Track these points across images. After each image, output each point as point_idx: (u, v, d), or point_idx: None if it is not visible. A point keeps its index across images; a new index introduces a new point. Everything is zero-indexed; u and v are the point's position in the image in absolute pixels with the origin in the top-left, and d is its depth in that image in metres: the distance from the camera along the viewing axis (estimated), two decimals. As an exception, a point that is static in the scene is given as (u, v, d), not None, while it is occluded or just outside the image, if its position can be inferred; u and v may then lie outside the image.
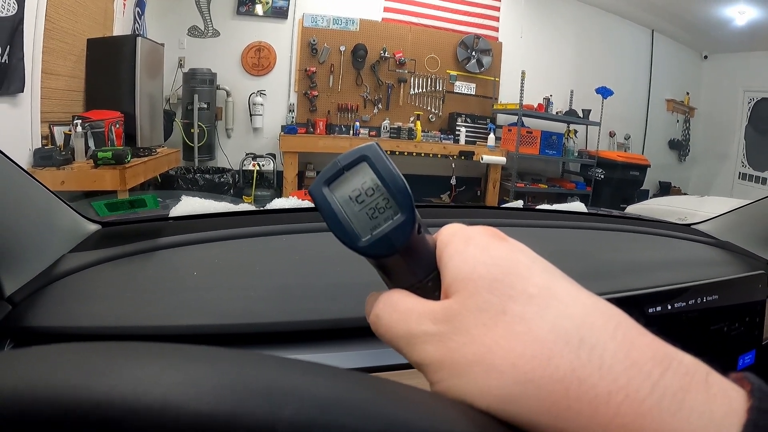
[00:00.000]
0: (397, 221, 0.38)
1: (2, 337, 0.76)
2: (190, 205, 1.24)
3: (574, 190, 8.03)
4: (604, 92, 7.79)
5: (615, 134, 8.72)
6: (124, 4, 6.37)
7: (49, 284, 0.87)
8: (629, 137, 8.83)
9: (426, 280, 0.40)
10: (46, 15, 4.52)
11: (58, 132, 4.74)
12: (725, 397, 0.29)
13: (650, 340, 0.32)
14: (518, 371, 0.31)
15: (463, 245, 0.39)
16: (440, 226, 0.42)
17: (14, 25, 4.01)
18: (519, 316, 0.33)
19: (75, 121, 4.69)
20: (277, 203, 1.35)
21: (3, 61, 3.92)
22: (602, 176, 7.97)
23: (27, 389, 0.26)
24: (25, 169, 0.83)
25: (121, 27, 6.24)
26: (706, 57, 9.05)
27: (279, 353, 0.33)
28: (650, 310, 1.05)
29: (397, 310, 0.38)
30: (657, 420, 0.28)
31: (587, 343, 0.31)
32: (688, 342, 1.10)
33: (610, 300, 0.34)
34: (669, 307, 1.06)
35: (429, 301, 0.38)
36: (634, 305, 1.03)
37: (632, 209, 3.21)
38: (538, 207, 1.68)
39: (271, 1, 7.58)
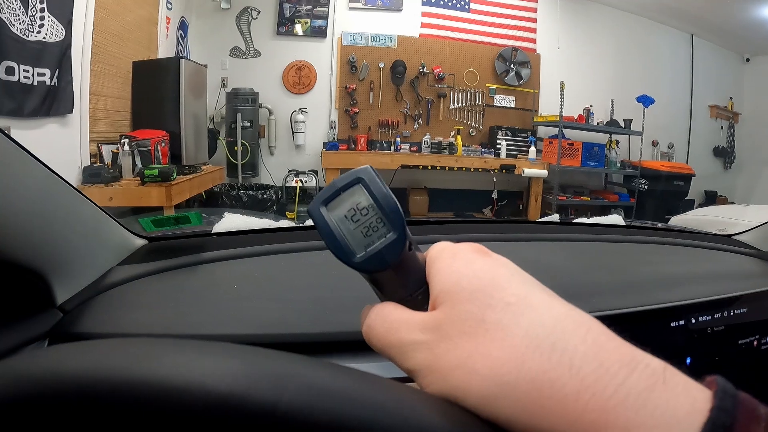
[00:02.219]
0: (389, 239, 0.42)
1: (53, 342, 0.80)
2: (232, 221, 1.28)
3: (617, 202, 7.91)
4: (645, 101, 7.63)
5: (658, 143, 8.56)
6: (168, 28, 6.51)
7: (98, 294, 0.91)
8: (673, 146, 8.65)
9: (416, 293, 0.44)
10: (92, 40, 4.67)
11: (106, 150, 4.89)
12: (688, 396, 0.31)
13: (619, 344, 0.35)
14: (495, 374, 0.34)
15: (450, 260, 0.42)
16: (478, 241, 0.45)
17: (62, 50, 4.16)
18: (496, 323, 0.37)
19: (122, 140, 4.81)
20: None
21: (52, 83, 4.06)
22: (646, 187, 7.80)
23: (86, 373, 0.32)
24: (75, 186, 0.87)
25: (164, 50, 6.39)
26: (748, 60, 8.82)
27: (295, 353, 0.37)
28: (672, 324, 1.03)
29: (388, 320, 0.42)
30: (622, 416, 0.30)
31: (558, 348, 0.34)
32: (715, 357, 1.09)
33: (629, 314, 0.37)
34: (693, 321, 1.05)
35: (418, 312, 0.41)
36: (656, 318, 1.02)
37: (675, 220, 3.15)
38: (575, 221, 1.68)
39: (309, 21, 7.67)
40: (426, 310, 0.42)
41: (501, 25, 8.09)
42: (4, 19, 3.52)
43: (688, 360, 1.04)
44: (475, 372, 0.35)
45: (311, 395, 0.32)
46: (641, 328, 0.99)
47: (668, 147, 8.65)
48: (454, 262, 0.42)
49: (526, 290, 0.38)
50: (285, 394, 0.31)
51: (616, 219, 1.65)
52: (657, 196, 7.73)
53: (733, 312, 1.11)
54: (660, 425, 0.30)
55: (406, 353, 0.39)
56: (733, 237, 1.61)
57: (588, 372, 0.32)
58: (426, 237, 1.30)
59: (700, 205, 8.21)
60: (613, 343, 0.34)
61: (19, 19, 3.67)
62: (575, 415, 0.31)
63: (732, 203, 8.19)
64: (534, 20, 8.16)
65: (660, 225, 1.95)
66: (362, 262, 0.42)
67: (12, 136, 0.68)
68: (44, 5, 3.91)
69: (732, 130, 9.01)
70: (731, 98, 8.86)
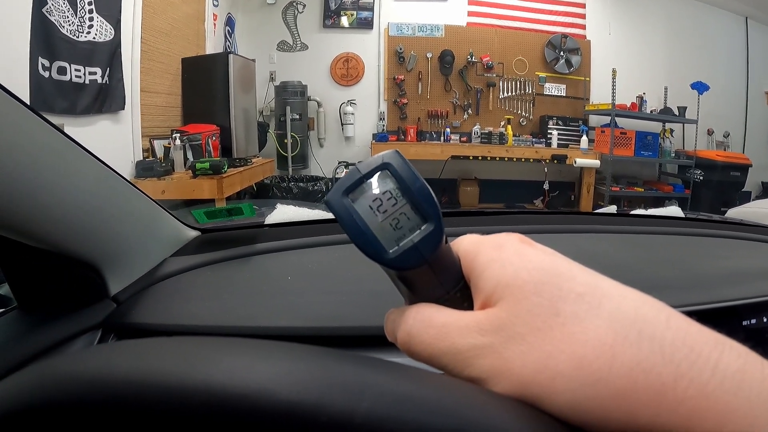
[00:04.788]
0: (425, 231, 0.37)
1: (106, 332, 0.81)
2: (284, 213, 1.28)
3: (671, 193, 7.70)
4: (700, 87, 7.39)
5: (713, 132, 8.29)
6: (215, 24, 6.64)
7: (151, 285, 0.92)
8: (728, 135, 8.35)
9: (454, 291, 0.39)
10: (141, 38, 4.81)
11: (158, 145, 5.02)
12: None
13: (700, 327, 0.32)
14: (584, 373, 0.31)
15: (496, 252, 0.38)
16: (533, 233, 0.41)
17: (112, 49, 4.31)
18: (572, 315, 0.33)
19: (174, 135, 4.94)
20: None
21: (104, 82, 4.19)
22: (701, 178, 7.55)
23: (139, 376, 0.30)
24: (129, 180, 0.87)
25: (212, 46, 6.54)
26: (806, 43, 8.48)
27: (369, 355, 0.34)
28: (744, 323, 0.99)
29: (434, 325, 0.37)
30: (721, 400, 0.28)
31: (646, 336, 0.31)
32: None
33: (701, 311, 0.35)
34: (765, 320, 1.00)
35: (467, 313, 0.37)
36: (728, 317, 0.98)
37: (733, 213, 3.05)
38: (632, 212, 1.63)
39: (356, 13, 7.70)
40: (467, 308, 0.38)
41: (549, 12, 7.97)
42: (54, 21, 3.63)
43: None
44: (561, 374, 0.31)
45: (392, 404, 0.29)
46: (711, 326, 0.94)
47: (724, 136, 8.37)
48: (504, 254, 0.37)
49: (593, 278, 0.35)
50: (362, 402, 0.28)
51: (674, 211, 1.59)
52: (712, 187, 7.47)
53: None
54: (756, 407, 0.28)
55: (466, 360, 0.35)
56: (796, 231, 1.54)
57: (681, 358, 0.30)
58: (478, 228, 1.28)
59: (757, 197, 7.96)
60: (695, 327, 0.32)
61: (69, 21, 3.79)
62: (674, 403, 0.29)
63: (791, 195, 7.94)
64: (583, 5, 8.01)
65: (717, 217, 1.88)
66: (395, 258, 0.37)
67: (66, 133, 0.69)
68: (92, 6, 4.04)
69: (790, 118, 8.67)
70: (789, 84, 8.53)
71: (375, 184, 0.38)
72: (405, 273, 0.38)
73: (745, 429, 0.28)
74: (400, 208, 0.37)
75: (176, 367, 0.30)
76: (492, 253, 0.38)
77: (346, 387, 0.29)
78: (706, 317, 0.93)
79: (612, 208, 1.67)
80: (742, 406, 0.28)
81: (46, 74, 3.58)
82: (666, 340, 0.31)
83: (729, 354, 0.30)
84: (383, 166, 0.38)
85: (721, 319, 0.96)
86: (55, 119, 3.46)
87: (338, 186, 0.38)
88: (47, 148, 0.66)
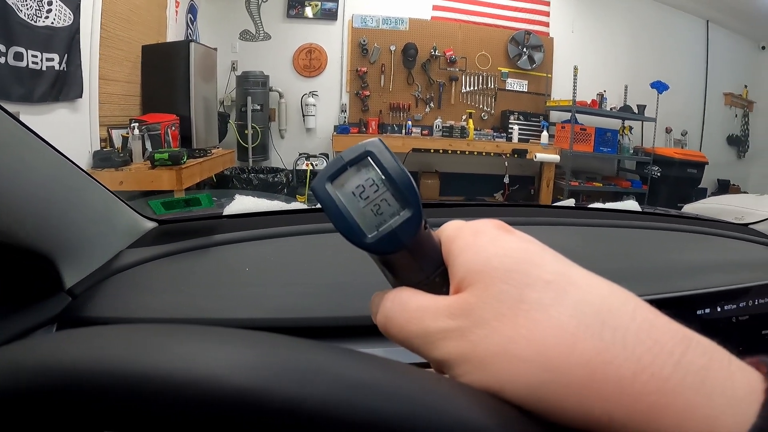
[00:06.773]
0: (403, 216, 0.38)
1: (62, 327, 0.79)
2: (243, 203, 1.27)
3: (629, 189, 7.80)
4: (660, 87, 7.51)
5: (671, 130, 8.45)
6: (177, 12, 6.54)
7: (107, 278, 0.90)
8: (686, 133, 8.53)
9: (433, 275, 0.40)
10: (101, 24, 4.70)
11: (116, 135, 4.90)
12: (744, 376, 0.29)
13: (667, 321, 0.32)
14: (543, 359, 0.31)
15: (473, 238, 0.38)
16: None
17: (71, 35, 4.19)
18: (537, 303, 0.33)
19: (132, 124, 4.84)
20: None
21: (61, 68, 4.09)
22: (659, 174, 7.68)
23: (86, 364, 0.29)
24: (85, 170, 0.86)
25: (174, 33, 6.43)
26: (764, 47, 8.62)
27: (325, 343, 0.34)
28: (698, 312, 1.02)
29: (408, 308, 0.38)
30: (681, 397, 0.28)
31: (609, 326, 0.31)
32: (739, 346, 1.06)
33: (656, 300, 0.34)
34: (718, 309, 1.03)
35: (441, 297, 0.38)
36: (682, 306, 1.00)
37: (689, 208, 3.10)
38: (590, 206, 1.65)
39: (320, 4, 7.66)
40: (446, 293, 0.38)
41: (514, 8, 8.02)
42: (11, 4, 3.53)
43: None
44: (520, 358, 0.32)
45: (344, 390, 0.29)
46: (667, 315, 0.96)
47: (682, 134, 8.55)
48: (479, 240, 0.38)
49: (562, 267, 0.35)
50: (314, 388, 0.28)
51: (631, 205, 1.62)
52: (670, 184, 7.62)
53: (758, 302, 1.08)
54: (719, 406, 0.28)
55: (434, 342, 0.36)
56: (750, 226, 1.58)
57: (643, 351, 0.30)
58: (439, 220, 1.29)
59: (713, 194, 8.15)
60: (662, 320, 0.32)
61: (27, 5, 3.69)
62: (632, 398, 0.29)
63: (745, 192, 8.09)
64: (547, 3, 8.09)
65: (674, 212, 1.92)
66: (374, 242, 0.38)
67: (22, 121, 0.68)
68: (52, -10, 3.92)
69: (746, 119, 8.84)
70: (746, 86, 8.69)
71: (358, 171, 0.39)
72: (386, 257, 0.40)
73: (707, 427, 0.28)
74: (382, 194, 0.39)
75: (124, 354, 0.30)
76: (468, 239, 0.39)
77: (298, 372, 0.29)
78: (662, 307, 0.95)
79: (570, 202, 1.69)
80: (705, 404, 0.28)
81: (2, 60, 3.49)
82: (629, 332, 0.31)
83: (695, 349, 0.30)
84: (366, 154, 0.39)
85: (676, 308, 0.98)
86: (11, 107, 3.37)
87: (323, 173, 0.39)
88: (1, 136, 0.65)
